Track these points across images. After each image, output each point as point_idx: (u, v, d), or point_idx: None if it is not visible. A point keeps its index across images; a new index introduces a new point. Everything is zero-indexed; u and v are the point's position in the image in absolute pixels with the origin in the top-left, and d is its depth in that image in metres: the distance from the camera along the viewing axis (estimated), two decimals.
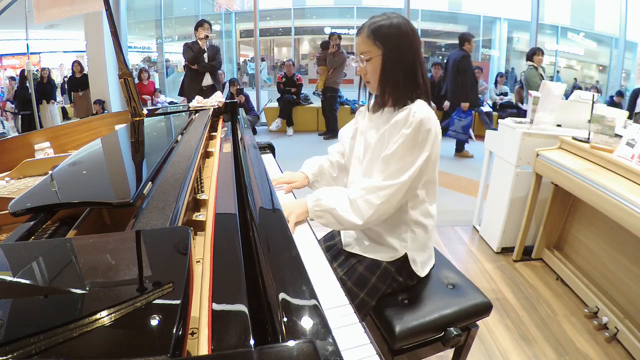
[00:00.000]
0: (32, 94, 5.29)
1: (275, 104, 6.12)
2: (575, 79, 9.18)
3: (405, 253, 1.10)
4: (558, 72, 9.07)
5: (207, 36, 4.36)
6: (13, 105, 6.26)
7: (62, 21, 6.69)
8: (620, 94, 6.38)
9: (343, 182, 1.32)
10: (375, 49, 1.02)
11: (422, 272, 1.14)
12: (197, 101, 1.97)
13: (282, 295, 0.54)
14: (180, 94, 5.05)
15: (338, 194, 1.05)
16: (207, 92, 3.39)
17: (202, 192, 0.93)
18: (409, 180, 0.98)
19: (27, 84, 5.51)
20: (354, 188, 1.05)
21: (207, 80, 4.55)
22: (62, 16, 5.37)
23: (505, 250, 2.41)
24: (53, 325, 0.33)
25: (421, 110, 0.99)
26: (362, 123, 1.19)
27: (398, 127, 1.00)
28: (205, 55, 4.43)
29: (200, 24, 4.38)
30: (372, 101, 1.12)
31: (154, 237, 0.54)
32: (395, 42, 1.01)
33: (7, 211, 0.64)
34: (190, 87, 4.48)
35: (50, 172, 0.94)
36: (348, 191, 1.05)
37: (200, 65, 4.46)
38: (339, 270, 1.13)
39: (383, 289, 1.10)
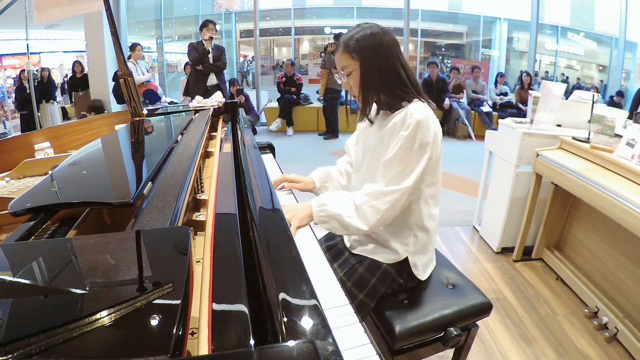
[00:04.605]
0: (30, 93, 5.28)
1: (275, 104, 6.12)
2: (578, 78, 9.19)
3: (407, 257, 1.10)
4: (563, 74, 9.09)
5: (211, 37, 4.37)
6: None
7: (62, 21, 6.67)
8: (620, 94, 6.37)
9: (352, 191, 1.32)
10: (352, 62, 1.03)
11: (423, 276, 1.13)
12: (197, 101, 1.97)
13: (282, 295, 0.54)
14: (186, 93, 5.06)
15: (343, 199, 1.04)
16: (212, 92, 3.43)
17: (202, 192, 0.92)
18: (414, 184, 0.99)
19: (26, 84, 5.51)
20: (358, 193, 1.04)
21: (212, 79, 4.57)
22: (62, 16, 5.37)
23: (505, 250, 2.41)
24: (53, 325, 0.33)
25: (418, 111, 0.98)
26: (362, 128, 1.20)
27: (396, 129, 1.00)
28: (210, 55, 4.44)
29: (204, 25, 4.39)
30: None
31: (154, 237, 0.54)
32: (370, 50, 1.00)
33: (7, 211, 0.64)
34: (196, 86, 4.50)
35: (50, 172, 0.94)
36: (353, 196, 1.04)
37: (205, 66, 4.46)
38: (339, 271, 1.13)
39: (383, 290, 1.10)
